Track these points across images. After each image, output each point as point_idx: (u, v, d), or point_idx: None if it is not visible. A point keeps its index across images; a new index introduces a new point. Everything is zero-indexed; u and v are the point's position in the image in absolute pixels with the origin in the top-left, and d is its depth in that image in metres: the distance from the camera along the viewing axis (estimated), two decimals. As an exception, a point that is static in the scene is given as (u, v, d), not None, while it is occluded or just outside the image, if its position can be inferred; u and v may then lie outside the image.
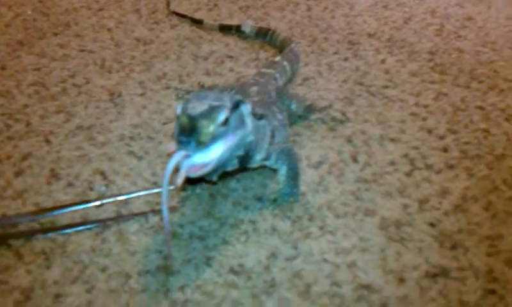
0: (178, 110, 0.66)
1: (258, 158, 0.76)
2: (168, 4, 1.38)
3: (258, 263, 0.70)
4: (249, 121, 0.71)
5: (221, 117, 0.65)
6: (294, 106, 0.95)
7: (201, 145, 0.63)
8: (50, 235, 0.73)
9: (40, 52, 1.18)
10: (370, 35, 1.27)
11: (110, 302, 0.64)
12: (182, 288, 0.66)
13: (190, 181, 0.77)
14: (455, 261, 0.70)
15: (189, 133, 0.63)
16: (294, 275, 0.68)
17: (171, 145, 0.66)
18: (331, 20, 1.34)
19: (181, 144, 0.63)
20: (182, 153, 0.63)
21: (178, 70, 1.12)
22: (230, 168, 0.72)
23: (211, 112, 0.65)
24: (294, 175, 0.79)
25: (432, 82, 1.09)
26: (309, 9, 1.40)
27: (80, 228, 0.74)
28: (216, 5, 1.41)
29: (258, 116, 0.75)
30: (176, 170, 0.64)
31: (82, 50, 1.19)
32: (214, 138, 0.64)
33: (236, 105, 0.68)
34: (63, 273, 0.68)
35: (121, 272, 0.68)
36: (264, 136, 0.76)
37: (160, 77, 1.09)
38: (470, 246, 0.72)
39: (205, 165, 0.65)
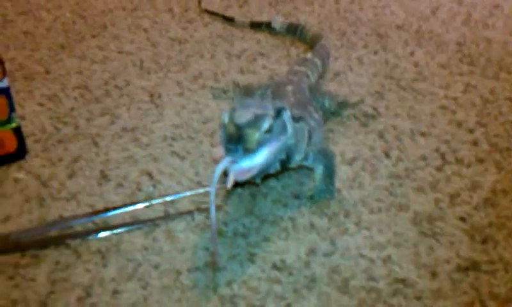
0: (225, 119, 0.70)
1: (297, 159, 0.80)
2: (200, 2, 1.42)
3: (298, 258, 0.74)
4: (290, 127, 0.75)
5: (266, 125, 0.70)
6: (327, 103, 0.98)
7: (248, 152, 0.68)
8: (104, 234, 0.79)
9: (80, 55, 1.22)
10: (398, 27, 1.30)
11: (164, 298, 0.70)
12: (229, 283, 0.71)
13: (235, 183, 0.82)
14: (485, 255, 0.74)
15: (237, 141, 0.68)
16: (333, 271, 0.72)
17: (218, 150, 0.72)
18: (359, 12, 1.37)
19: (229, 151, 0.68)
20: (229, 159, 0.68)
21: (213, 69, 1.16)
22: (272, 171, 0.77)
23: (256, 120, 0.69)
24: (330, 174, 0.83)
25: (460, 74, 1.11)
26: (337, 1, 1.43)
27: (132, 227, 0.80)
28: (245, 1, 1.44)
29: (296, 119, 0.79)
30: (224, 174, 0.69)
31: (120, 52, 1.23)
32: (259, 145, 0.69)
33: (278, 113, 0.73)
34: (119, 271, 0.73)
35: (173, 269, 0.73)
36: (302, 138, 0.80)
37: (197, 77, 1.14)
38: (499, 240, 0.76)
39: (251, 169, 0.70)
